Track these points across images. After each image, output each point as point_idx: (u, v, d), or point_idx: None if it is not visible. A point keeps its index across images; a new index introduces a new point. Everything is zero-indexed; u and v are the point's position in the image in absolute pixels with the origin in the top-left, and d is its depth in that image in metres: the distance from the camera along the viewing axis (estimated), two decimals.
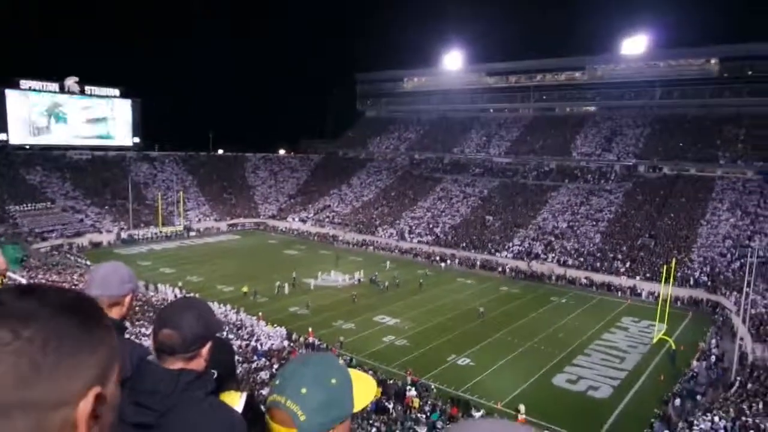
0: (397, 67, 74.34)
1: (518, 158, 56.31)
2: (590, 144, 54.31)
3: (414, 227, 48.50)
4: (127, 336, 2.32)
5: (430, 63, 70.71)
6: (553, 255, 39.52)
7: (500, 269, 39.24)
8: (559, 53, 60.86)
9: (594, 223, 42.97)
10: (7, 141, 51.14)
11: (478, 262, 40.66)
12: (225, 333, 24.23)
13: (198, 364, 1.71)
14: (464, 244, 43.37)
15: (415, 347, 24.59)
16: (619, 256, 37.65)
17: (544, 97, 63.05)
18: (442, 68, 69.41)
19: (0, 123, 50.69)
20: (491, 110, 67.14)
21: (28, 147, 52.88)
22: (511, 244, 42.14)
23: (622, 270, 36.12)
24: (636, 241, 39.24)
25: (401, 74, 74.69)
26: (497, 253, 41.26)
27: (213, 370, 1.79)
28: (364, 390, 1.20)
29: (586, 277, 36.49)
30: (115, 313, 2.10)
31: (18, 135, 52.09)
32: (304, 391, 1.10)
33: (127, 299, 2.15)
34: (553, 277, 37.40)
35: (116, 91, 59.39)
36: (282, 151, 75.43)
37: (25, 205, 45.06)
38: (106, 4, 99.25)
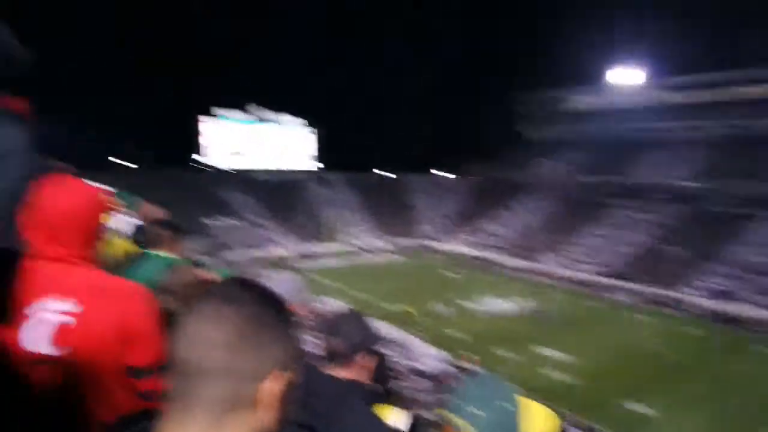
0: (562, 86, 71.19)
1: (706, 183, 49.52)
2: None
3: (582, 255, 45.52)
4: None
5: (600, 79, 66.42)
6: (751, 295, 34.03)
7: (683, 307, 34.94)
8: (751, 64, 52.71)
9: None
10: (207, 164, 60.51)
11: (657, 298, 36.68)
12: (387, 351, 25.10)
13: (359, 373, 1.81)
14: (640, 277, 39.47)
15: (580, 385, 22.89)
16: None
17: (738, 114, 54.88)
18: (614, 84, 64.72)
19: (201, 148, 60.45)
20: (672, 129, 60.41)
21: (224, 169, 61.57)
22: (697, 280, 37.27)
23: None
24: None
25: (567, 93, 71.26)
26: (680, 289, 36.79)
27: (377, 384, 1.87)
28: (541, 421, 1.21)
29: None
30: None
31: (216, 158, 61.12)
32: (478, 412, 1.14)
33: (300, 309, 2.21)
34: (751, 321, 32.14)
35: (302, 121, 66.95)
36: (443, 173, 76.59)
37: (217, 219, 51.94)
38: (299, 41, 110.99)
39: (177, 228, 3.40)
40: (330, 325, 1.83)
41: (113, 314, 1.37)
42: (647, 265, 41.09)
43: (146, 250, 3.20)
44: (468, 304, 34.39)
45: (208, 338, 0.69)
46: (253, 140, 63.90)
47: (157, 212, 5.00)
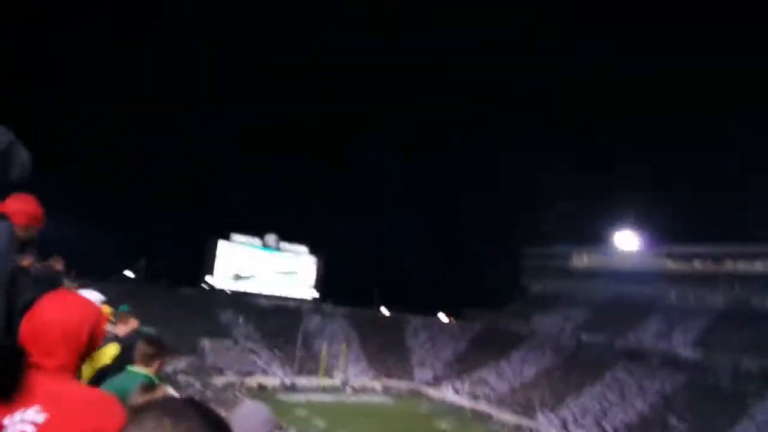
0: (565, 243, 73.40)
1: (709, 353, 48.63)
2: None
3: (579, 417, 43.48)
4: None
5: (603, 241, 68.66)
6: None
7: None
8: (753, 238, 54.84)
9: None
10: (212, 285, 61.38)
11: None
12: None
13: None
14: None
15: None
16: None
17: (738, 287, 55.79)
18: (616, 247, 66.79)
19: (210, 268, 61.71)
20: (673, 296, 60.95)
21: (227, 291, 62.19)
22: None
23: None
24: None
25: (570, 251, 73.27)
26: None
27: None
28: None
29: None
30: None
31: (220, 280, 62.02)
32: None
33: None
34: None
35: (305, 248, 68.41)
36: (442, 316, 76.09)
37: (213, 341, 51.33)
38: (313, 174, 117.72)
39: (160, 345, 3.44)
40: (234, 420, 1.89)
41: (83, 427, 1.37)
42: None
43: (127, 366, 3.27)
44: None
45: None
46: (260, 265, 65.28)
47: (133, 325, 5.19)
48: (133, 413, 0.77)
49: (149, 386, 2.51)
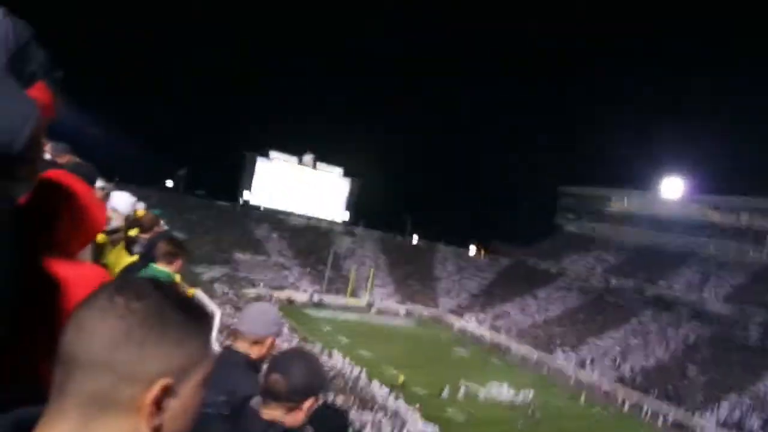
0: (604, 184, 71.39)
1: (740, 308, 47.76)
2: None
3: (597, 358, 44.03)
4: None
5: (644, 185, 66.53)
6: None
7: (689, 430, 33.23)
8: None
9: None
10: (248, 201, 62.99)
11: (670, 419, 34.84)
12: (377, 416, 24.74)
13: (296, 418, 1.75)
14: (654, 392, 37.71)
15: None
16: None
17: None
18: (657, 193, 64.53)
19: (247, 184, 63.02)
20: (712, 248, 59.13)
21: (261, 208, 63.73)
22: (717, 408, 35.31)
23: None
24: None
25: (609, 193, 71.36)
26: (696, 414, 34.92)
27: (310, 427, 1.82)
28: None
29: None
30: (255, 351, 2.27)
31: (256, 197, 63.38)
32: None
33: (269, 340, 2.32)
34: None
35: (340, 170, 68.87)
36: (473, 248, 76.34)
37: (246, 254, 53.24)
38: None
39: (179, 245, 3.52)
40: (277, 361, 1.79)
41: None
42: (663, 382, 39.25)
43: (149, 262, 3.40)
44: (470, 385, 33.52)
45: (93, 329, 0.63)
46: (295, 184, 66.14)
47: (162, 229, 5.42)
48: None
49: (171, 284, 2.48)
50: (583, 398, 36.42)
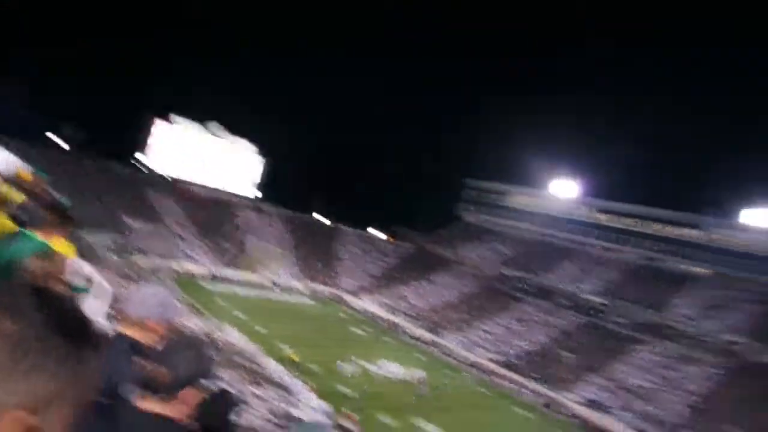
0: (505, 181, 75.81)
1: (611, 301, 53.38)
2: (691, 307, 50.41)
3: (483, 341, 47.10)
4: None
5: (541, 185, 71.43)
6: (626, 414, 36.27)
7: (559, 408, 36.85)
8: (678, 206, 59.19)
9: (681, 393, 39.08)
10: (146, 165, 59.22)
11: (539, 394, 38.43)
12: (269, 392, 24.75)
13: (178, 410, 1.64)
14: (530, 372, 41.22)
15: None
16: None
17: (654, 247, 60.40)
18: (551, 192, 69.77)
19: (144, 148, 59.56)
20: (592, 246, 65.33)
21: (161, 173, 60.26)
22: (577, 386, 39.45)
23: None
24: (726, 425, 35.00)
25: (508, 189, 75.90)
26: (560, 391, 38.79)
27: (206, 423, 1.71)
28: None
29: None
30: (141, 335, 2.10)
31: (156, 162, 59.83)
32: None
33: (159, 326, 2.15)
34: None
35: (251, 145, 66.68)
36: (378, 232, 77.70)
37: (140, 221, 50.23)
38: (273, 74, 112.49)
39: (64, 214, 3.21)
40: (164, 352, 1.70)
41: None
42: (539, 363, 43.12)
43: (23, 230, 2.98)
44: (365, 363, 34.51)
45: None
46: (200, 153, 63.19)
47: (47, 194, 4.93)
48: (41, 292, 0.60)
49: (45, 254, 2.37)
50: (469, 377, 38.91)
